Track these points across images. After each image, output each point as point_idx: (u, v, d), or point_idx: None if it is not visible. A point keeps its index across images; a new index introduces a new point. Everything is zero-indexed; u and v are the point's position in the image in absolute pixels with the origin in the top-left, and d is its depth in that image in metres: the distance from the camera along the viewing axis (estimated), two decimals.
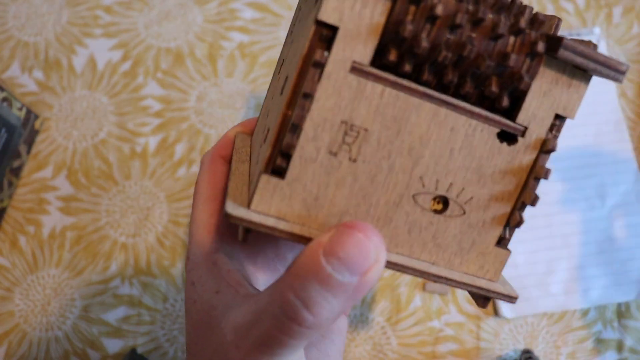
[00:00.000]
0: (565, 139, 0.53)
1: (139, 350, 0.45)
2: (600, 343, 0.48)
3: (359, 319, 0.47)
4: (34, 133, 0.49)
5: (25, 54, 0.51)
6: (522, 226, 0.50)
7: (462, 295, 0.48)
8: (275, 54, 0.53)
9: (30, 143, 0.48)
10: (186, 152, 0.50)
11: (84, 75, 0.51)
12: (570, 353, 0.48)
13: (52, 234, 0.47)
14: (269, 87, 0.31)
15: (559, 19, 0.21)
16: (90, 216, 0.48)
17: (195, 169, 0.50)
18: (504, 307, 0.48)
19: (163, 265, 0.47)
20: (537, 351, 0.47)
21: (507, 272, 0.49)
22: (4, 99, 0.44)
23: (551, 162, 0.52)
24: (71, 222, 0.47)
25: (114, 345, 0.45)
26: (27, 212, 0.47)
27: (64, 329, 0.45)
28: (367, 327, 0.47)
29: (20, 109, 0.46)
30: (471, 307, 0.48)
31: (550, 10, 0.57)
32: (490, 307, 0.48)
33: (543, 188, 0.51)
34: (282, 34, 0.55)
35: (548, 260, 0.49)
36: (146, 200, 0.48)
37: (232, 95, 0.52)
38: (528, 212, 0.51)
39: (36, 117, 0.48)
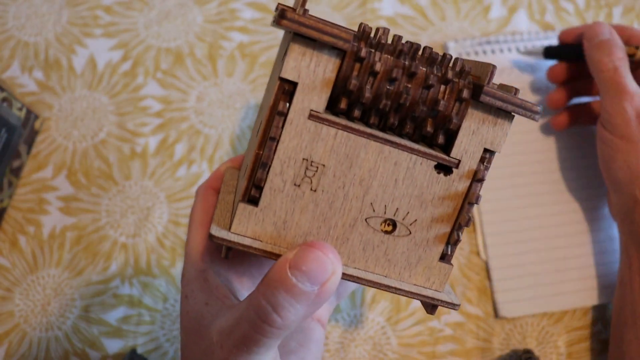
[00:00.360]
0: (569, 142, 0.53)
1: (139, 350, 0.45)
2: (600, 343, 0.48)
3: (359, 319, 0.47)
4: (34, 133, 0.49)
5: (25, 54, 0.51)
6: (523, 227, 0.50)
7: (462, 295, 0.48)
8: (275, 54, 0.53)
9: (30, 143, 0.48)
10: (186, 152, 0.50)
11: (84, 75, 0.51)
12: (570, 353, 0.48)
13: (52, 234, 0.47)
14: (253, 128, 0.36)
15: (494, 66, 0.25)
16: (90, 216, 0.48)
17: (195, 168, 0.50)
18: (504, 307, 0.48)
19: (163, 265, 0.47)
20: (537, 351, 0.47)
21: (508, 273, 0.49)
22: (4, 99, 0.44)
23: (555, 163, 0.52)
24: (71, 222, 0.47)
25: (114, 345, 0.45)
26: (27, 212, 0.47)
27: (64, 329, 0.45)
28: (367, 327, 0.47)
29: (20, 109, 0.46)
30: (471, 307, 0.48)
31: (550, 10, 0.57)
32: (490, 307, 0.48)
33: (542, 188, 0.51)
34: (282, 34, 0.55)
35: (548, 260, 0.49)
36: (146, 200, 0.48)
37: (232, 95, 0.52)
38: (529, 213, 0.51)
39: (36, 117, 0.48)
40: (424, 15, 0.56)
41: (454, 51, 0.54)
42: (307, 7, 0.55)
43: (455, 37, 0.55)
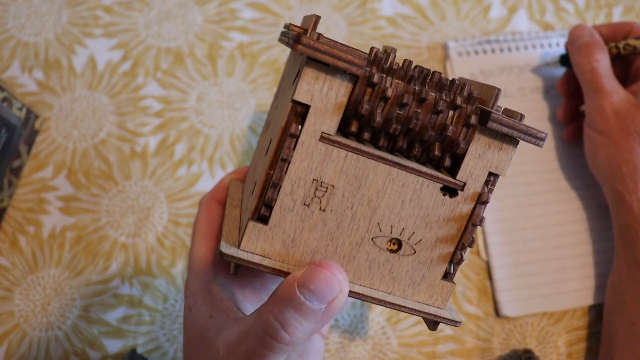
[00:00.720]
0: (574, 148, 0.53)
1: (139, 350, 0.45)
2: (600, 343, 0.48)
3: (359, 319, 0.47)
4: (34, 133, 0.49)
5: (25, 54, 0.51)
6: (523, 227, 0.50)
7: (462, 295, 0.48)
8: (275, 54, 0.53)
9: (30, 143, 0.48)
10: (186, 152, 0.50)
11: (84, 75, 0.51)
12: (570, 353, 0.48)
13: (52, 234, 0.47)
14: (258, 143, 0.36)
15: (499, 90, 0.26)
16: (90, 216, 0.48)
17: (195, 168, 0.50)
18: (504, 306, 0.48)
19: (163, 265, 0.47)
20: (537, 351, 0.47)
21: (508, 272, 0.49)
22: (4, 99, 0.44)
23: (555, 163, 0.52)
24: (71, 222, 0.47)
25: (114, 345, 0.45)
26: (27, 212, 0.47)
27: (64, 329, 0.45)
28: (367, 327, 0.47)
29: (20, 109, 0.46)
30: (471, 307, 0.48)
31: (550, 11, 0.57)
32: (490, 307, 0.48)
33: (542, 188, 0.51)
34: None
35: (548, 260, 0.49)
36: (146, 200, 0.48)
37: (232, 95, 0.52)
38: (529, 213, 0.51)
39: (36, 117, 0.48)
40: (424, 15, 0.56)
41: (454, 51, 0.54)
42: (307, 7, 0.55)
43: (455, 37, 0.55)
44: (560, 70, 0.53)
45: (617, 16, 0.58)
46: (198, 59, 0.52)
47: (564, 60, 0.51)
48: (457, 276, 0.49)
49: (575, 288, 0.49)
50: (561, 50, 0.54)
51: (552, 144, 0.52)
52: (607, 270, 0.49)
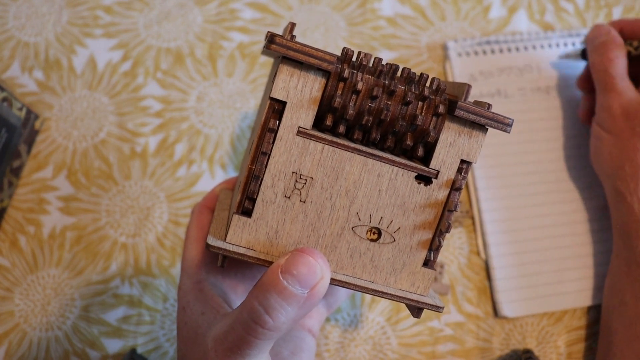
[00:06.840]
0: (569, 142, 0.53)
1: (139, 350, 0.45)
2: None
3: (359, 319, 0.47)
4: (34, 133, 0.49)
5: (25, 54, 0.51)
6: (523, 227, 0.50)
7: (462, 295, 0.48)
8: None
9: (30, 143, 0.48)
10: (186, 152, 0.50)
11: (84, 76, 0.51)
12: (570, 353, 0.48)
13: (52, 234, 0.47)
14: (244, 152, 0.37)
15: (469, 86, 0.27)
16: (90, 216, 0.48)
17: (195, 168, 0.50)
18: (504, 307, 0.48)
19: (163, 265, 0.47)
20: (537, 351, 0.47)
21: (508, 272, 0.49)
22: (4, 99, 0.44)
23: (554, 164, 0.52)
24: (71, 222, 0.47)
25: (114, 345, 0.45)
26: (27, 212, 0.47)
27: (64, 329, 0.45)
28: (367, 327, 0.47)
29: (21, 109, 0.46)
30: (471, 307, 0.48)
31: (550, 11, 0.57)
32: (490, 307, 0.48)
33: (542, 188, 0.51)
34: None
35: (548, 260, 0.49)
36: (146, 200, 0.48)
37: (232, 95, 0.52)
38: (529, 213, 0.51)
39: (36, 117, 0.48)
40: (424, 15, 0.56)
41: (453, 51, 0.54)
42: (307, 7, 0.55)
43: (455, 37, 0.55)
44: (561, 72, 0.53)
45: (617, 16, 0.58)
46: (198, 59, 0.52)
47: (585, 53, 0.51)
48: (457, 276, 0.49)
49: (575, 289, 0.49)
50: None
51: (552, 144, 0.52)
52: (606, 271, 0.49)
